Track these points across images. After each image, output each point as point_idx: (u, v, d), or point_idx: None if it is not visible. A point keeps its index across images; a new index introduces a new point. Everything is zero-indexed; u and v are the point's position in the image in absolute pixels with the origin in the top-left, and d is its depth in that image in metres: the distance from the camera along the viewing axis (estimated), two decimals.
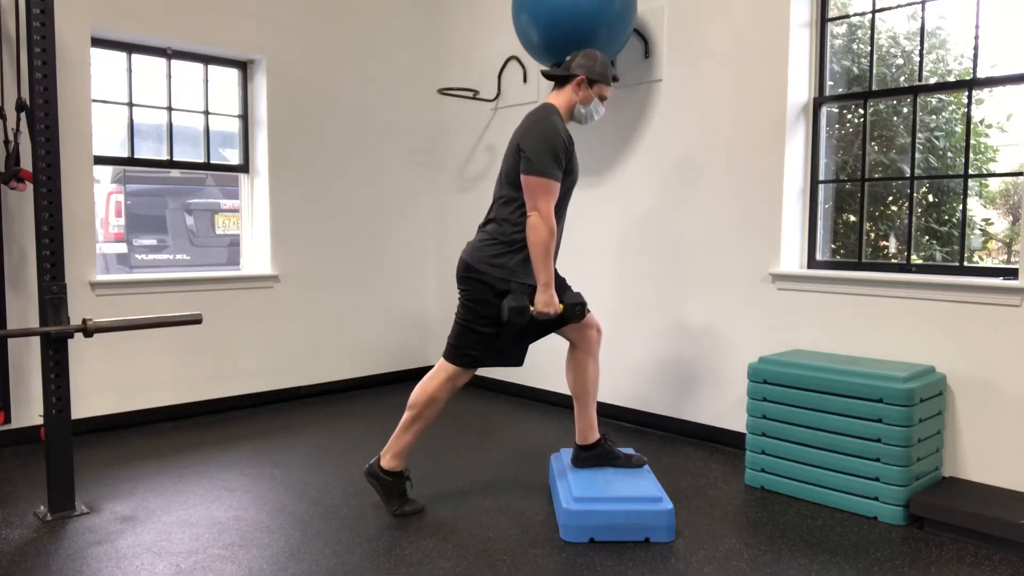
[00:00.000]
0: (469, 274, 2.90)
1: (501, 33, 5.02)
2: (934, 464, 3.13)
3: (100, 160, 4.22)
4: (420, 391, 2.98)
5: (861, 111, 3.65)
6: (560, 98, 3.00)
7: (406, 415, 2.99)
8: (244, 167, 4.83)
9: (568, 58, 3.03)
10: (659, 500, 2.80)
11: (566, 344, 4.33)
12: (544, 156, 2.78)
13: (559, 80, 3.02)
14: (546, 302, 2.80)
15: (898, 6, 3.51)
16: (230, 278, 4.61)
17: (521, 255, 2.86)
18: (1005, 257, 3.46)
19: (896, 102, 3.64)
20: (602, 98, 3.04)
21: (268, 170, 4.74)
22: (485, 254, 2.88)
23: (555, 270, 3.05)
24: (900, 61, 3.66)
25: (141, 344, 4.28)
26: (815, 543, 2.78)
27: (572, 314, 2.88)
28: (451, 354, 2.97)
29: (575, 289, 4.34)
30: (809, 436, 3.17)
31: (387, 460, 3.00)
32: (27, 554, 2.64)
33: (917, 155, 3.45)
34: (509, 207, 2.90)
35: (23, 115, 3.64)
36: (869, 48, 3.60)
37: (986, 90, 3.34)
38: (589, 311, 3.07)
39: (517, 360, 3.02)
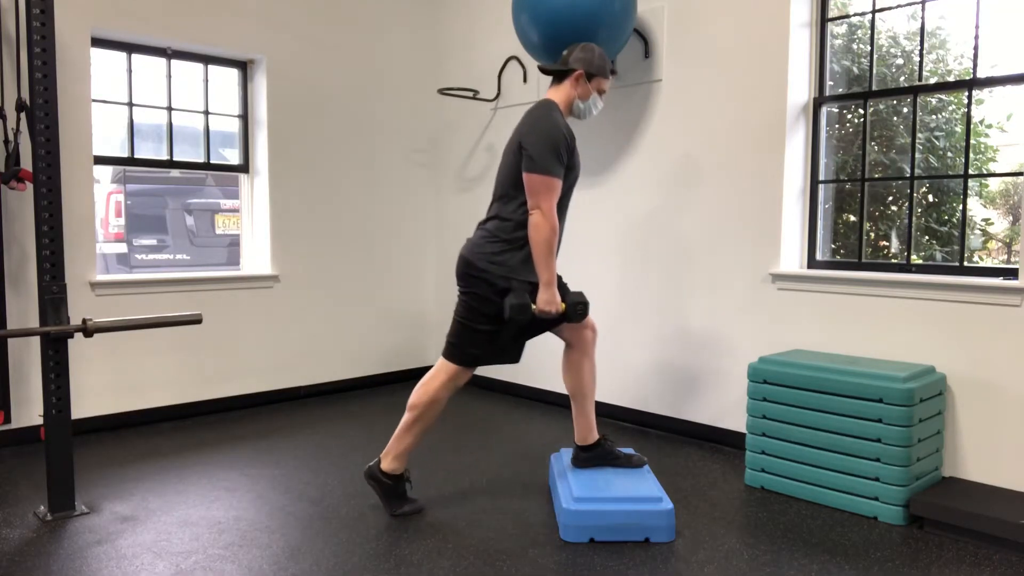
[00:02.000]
0: (469, 271, 2.88)
1: (501, 33, 5.02)
2: (934, 464, 3.13)
3: (100, 160, 4.23)
4: (420, 391, 2.98)
5: (861, 111, 3.65)
6: (559, 93, 2.99)
7: (406, 416, 2.99)
8: (244, 167, 4.83)
9: (565, 52, 3.01)
10: (659, 500, 2.80)
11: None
12: (546, 153, 2.77)
13: (557, 75, 3.00)
14: (548, 300, 2.80)
15: (898, 6, 3.51)
16: (230, 278, 4.61)
17: (522, 253, 2.85)
18: (1005, 257, 3.46)
19: (896, 102, 3.64)
20: (601, 92, 3.03)
21: (268, 170, 4.74)
22: (486, 251, 2.87)
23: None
24: (900, 61, 3.66)
25: (141, 344, 4.28)
26: (815, 543, 2.79)
27: (574, 313, 2.87)
28: (451, 353, 2.96)
29: (575, 288, 4.35)
30: (809, 436, 3.17)
31: (388, 462, 2.99)
32: (27, 554, 2.64)
33: (917, 155, 3.45)
34: (510, 204, 2.88)
35: (23, 115, 3.64)
36: (869, 48, 3.60)
37: (986, 90, 3.34)
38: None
39: (515, 357, 3.01)
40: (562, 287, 2.99)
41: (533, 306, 2.81)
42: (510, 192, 2.89)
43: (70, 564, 2.57)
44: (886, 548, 2.75)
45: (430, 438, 4.09)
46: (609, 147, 4.44)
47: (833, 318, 3.55)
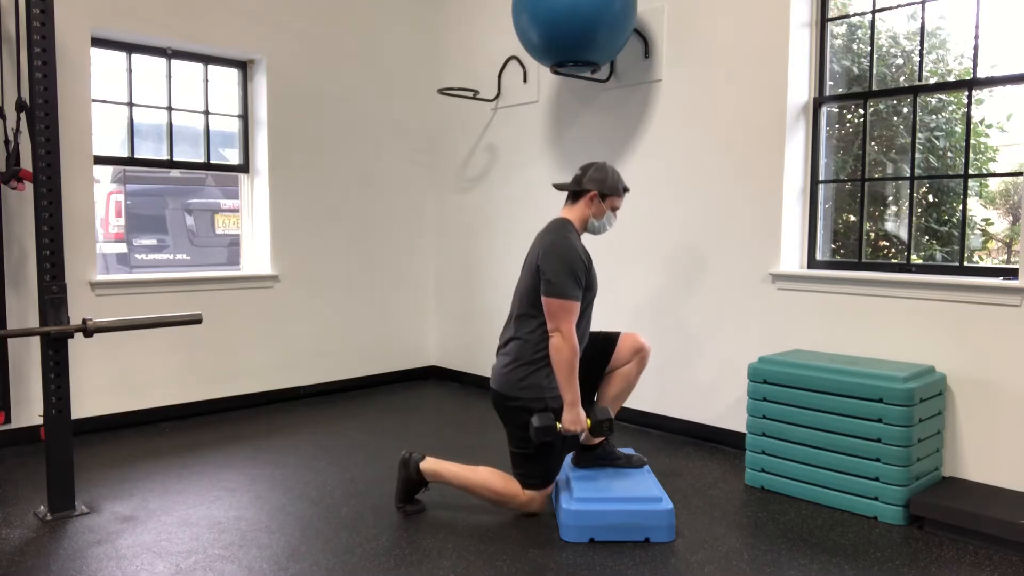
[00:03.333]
0: (505, 403, 2.93)
1: (501, 33, 5.02)
2: (934, 464, 3.13)
3: (100, 160, 4.23)
4: (500, 487, 2.96)
5: (861, 111, 3.65)
6: (574, 212, 3.05)
7: (473, 479, 2.97)
8: (244, 167, 4.83)
9: (579, 172, 3.07)
10: (659, 500, 2.80)
11: None
12: (564, 277, 2.82)
13: (572, 194, 3.07)
14: (573, 420, 2.84)
15: (898, 6, 3.51)
16: (230, 278, 4.61)
17: (546, 370, 2.90)
18: (1005, 257, 3.46)
19: (896, 102, 3.64)
20: (614, 209, 3.09)
21: (268, 170, 4.74)
22: (513, 379, 2.91)
23: None
24: (900, 61, 3.66)
25: (141, 344, 4.28)
26: (815, 543, 2.78)
27: (600, 430, 2.90)
28: (525, 483, 2.98)
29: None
30: (809, 436, 3.17)
31: (428, 467, 3.01)
32: (27, 554, 2.64)
33: (917, 155, 3.45)
34: (529, 325, 2.93)
35: (23, 115, 3.64)
36: (869, 48, 3.60)
37: (986, 90, 3.34)
38: (631, 334, 3.16)
39: (575, 447, 3.09)
40: (590, 360, 3.06)
41: (559, 425, 2.84)
42: (528, 312, 2.94)
43: (70, 564, 2.57)
44: (886, 548, 2.75)
45: (430, 439, 4.09)
46: (609, 147, 4.44)
47: (833, 318, 3.55)
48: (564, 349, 2.82)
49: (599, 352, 3.13)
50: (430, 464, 3.01)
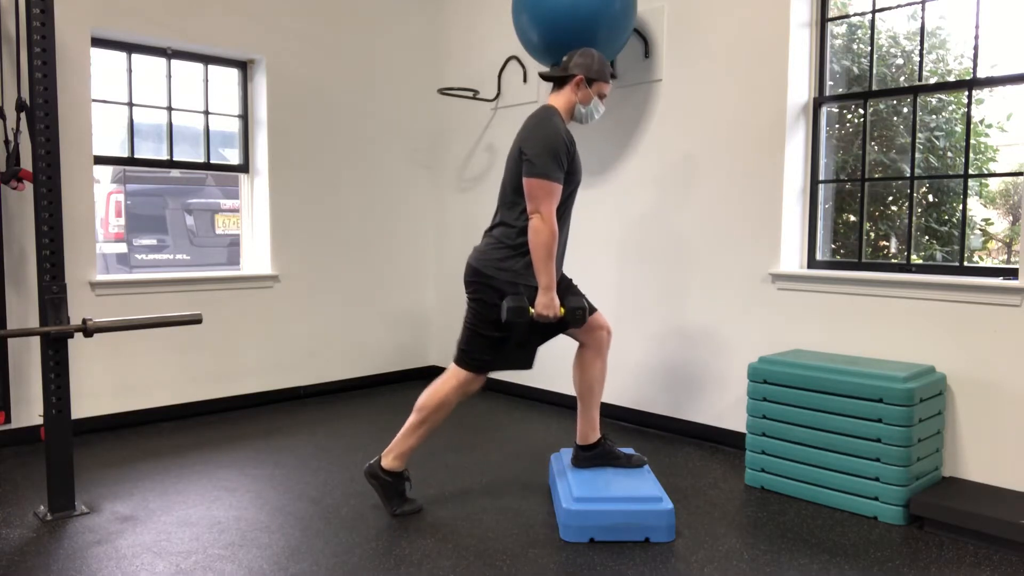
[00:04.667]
0: (476, 278, 2.90)
1: (501, 33, 5.02)
2: (934, 464, 3.13)
3: (100, 160, 4.22)
4: (430, 394, 2.98)
5: (861, 111, 3.65)
6: (560, 99, 2.99)
7: (412, 418, 2.98)
8: (244, 167, 4.83)
9: (565, 58, 3.02)
10: (659, 500, 2.80)
11: (570, 344, 4.33)
12: (545, 158, 2.78)
13: (557, 81, 3.01)
14: (546, 304, 2.80)
15: (898, 6, 3.51)
16: (230, 278, 4.61)
17: (527, 258, 2.86)
18: (1005, 257, 3.46)
19: (896, 102, 3.64)
20: (601, 96, 3.03)
21: (268, 170, 4.74)
22: (491, 258, 2.88)
23: (563, 274, 3.06)
24: (900, 61, 3.66)
25: (141, 344, 4.28)
26: (815, 543, 2.79)
27: (573, 318, 2.86)
28: (461, 359, 2.96)
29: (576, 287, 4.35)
30: (809, 436, 3.17)
31: (389, 460, 3.00)
32: (27, 554, 2.64)
33: (917, 155, 3.45)
34: (514, 211, 2.89)
35: (23, 115, 3.64)
36: (869, 48, 3.60)
37: (986, 90, 3.34)
38: (596, 311, 3.08)
39: (526, 363, 3.02)
40: (568, 289, 3.00)
41: (531, 310, 2.81)
42: (513, 198, 2.90)
43: (70, 564, 2.57)
44: (886, 548, 2.75)
45: (430, 438, 4.09)
46: (609, 147, 4.44)
47: (833, 318, 3.55)
48: (543, 231, 2.76)
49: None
50: (387, 456, 2.99)
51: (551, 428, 4.31)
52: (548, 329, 2.95)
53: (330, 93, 4.98)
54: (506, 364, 2.98)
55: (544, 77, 3.06)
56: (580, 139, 4.58)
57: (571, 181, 2.91)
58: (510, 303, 2.76)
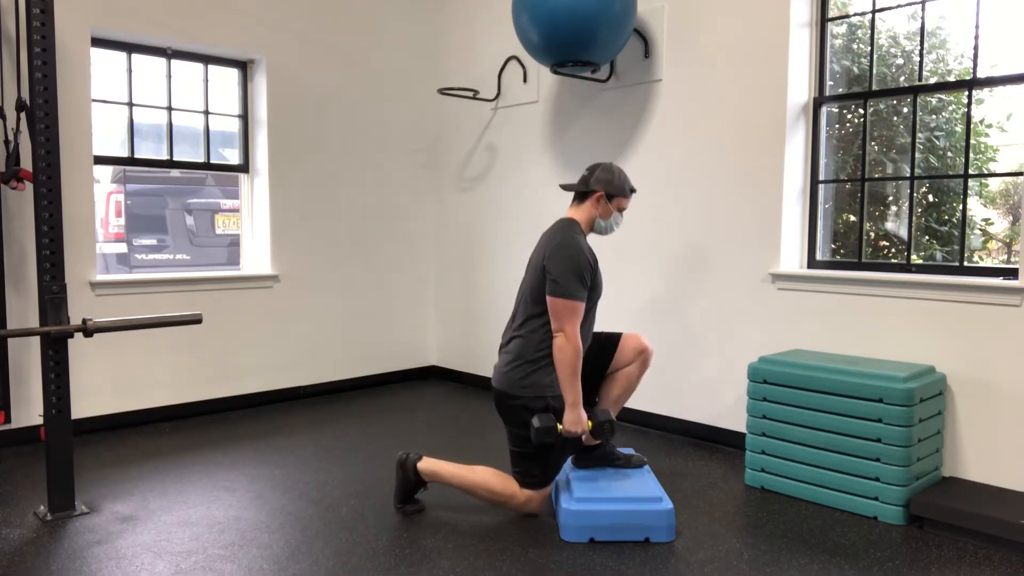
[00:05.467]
0: (506, 401, 2.92)
1: (501, 33, 5.02)
2: (934, 464, 3.13)
3: (100, 160, 4.22)
4: (499, 487, 2.95)
5: (861, 111, 3.65)
6: (580, 213, 3.04)
7: (470, 478, 2.97)
8: (244, 167, 4.83)
9: (586, 172, 3.06)
10: (659, 500, 2.80)
11: None
12: (570, 278, 2.82)
13: (578, 195, 3.06)
14: (574, 421, 2.82)
15: (898, 6, 3.51)
16: (230, 278, 4.61)
17: (547, 369, 2.89)
18: (1005, 257, 3.46)
19: (896, 102, 3.64)
20: (620, 210, 3.08)
21: (268, 170, 4.74)
22: (515, 377, 2.90)
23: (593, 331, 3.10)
24: (900, 61, 3.66)
25: (141, 344, 4.28)
26: (815, 543, 2.78)
27: (600, 432, 2.89)
28: (523, 482, 2.97)
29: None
30: (809, 436, 3.17)
31: (426, 466, 3.01)
32: (27, 554, 2.64)
33: (917, 155, 3.45)
34: (532, 323, 2.92)
35: (23, 115, 3.64)
36: (869, 48, 3.60)
37: (986, 90, 3.34)
38: (627, 334, 3.14)
39: (576, 450, 3.05)
40: (588, 405, 3.03)
41: (559, 426, 2.83)
42: (532, 311, 2.93)
43: (70, 564, 2.57)
44: (886, 548, 2.75)
45: (431, 438, 4.09)
46: (609, 147, 4.44)
47: (833, 318, 3.55)
48: (567, 349, 2.81)
49: (601, 352, 3.13)
50: (428, 464, 3.01)
51: None
52: (579, 437, 2.94)
53: (330, 93, 4.98)
54: (560, 463, 2.99)
55: (565, 189, 3.12)
56: (578, 139, 4.58)
57: (593, 295, 2.96)
58: (537, 424, 2.79)
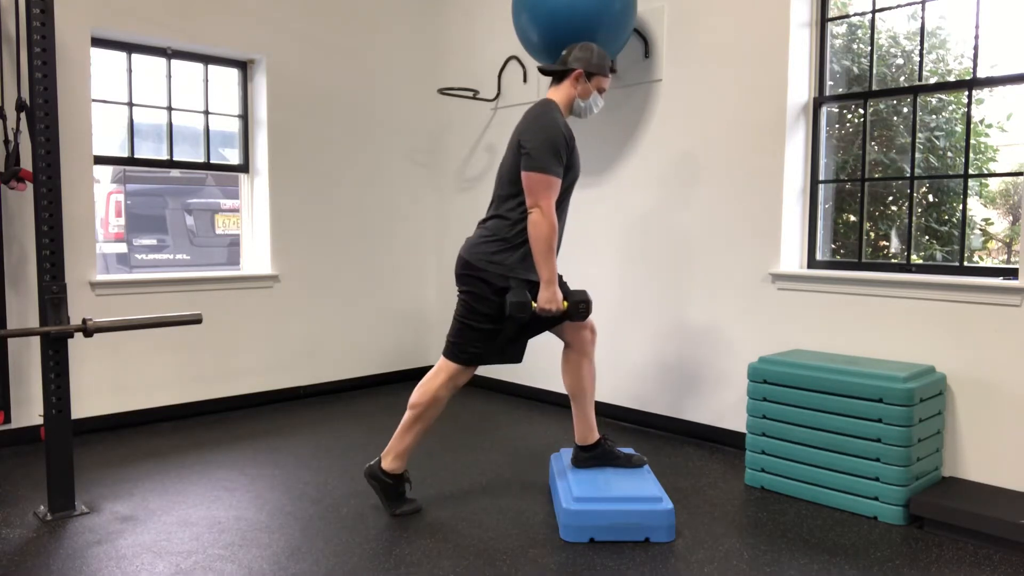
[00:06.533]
0: (468, 271, 2.89)
1: (501, 33, 5.02)
2: (934, 464, 3.13)
3: (100, 160, 4.22)
4: (421, 391, 2.98)
5: (861, 111, 3.65)
6: (559, 93, 2.99)
7: (407, 416, 2.99)
8: (244, 167, 4.83)
9: (564, 52, 3.01)
10: (659, 500, 2.80)
11: None
12: (545, 152, 2.77)
13: (557, 75, 3.01)
14: (549, 299, 2.79)
15: (898, 6, 3.51)
16: (230, 278, 4.61)
17: (520, 251, 2.85)
18: (1005, 257, 3.46)
19: (896, 102, 3.64)
20: (601, 90, 3.02)
21: (268, 170, 4.74)
22: (484, 251, 2.87)
23: None
24: (900, 61, 3.66)
25: (141, 344, 4.28)
26: (815, 543, 2.78)
27: (576, 312, 2.86)
28: (451, 352, 2.96)
29: (577, 287, 4.35)
30: (809, 436, 3.17)
31: (388, 461, 3.00)
32: (27, 554, 2.64)
33: (917, 155, 3.45)
34: (509, 203, 2.89)
35: (23, 115, 3.64)
36: (869, 48, 3.60)
37: (986, 90, 3.34)
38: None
39: (517, 357, 3.01)
40: (563, 286, 2.99)
41: (534, 304, 2.80)
42: (509, 190, 2.89)
43: (70, 564, 2.57)
44: (886, 548, 2.75)
45: (430, 438, 4.09)
46: (609, 147, 4.44)
47: (833, 318, 3.55)
48: (543, 224, 2.75)
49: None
50: (386, 457, 3.00)
51: (551, 428, 4.31)
52: (543, 323, 2.94)
53: (330, 93, 4.98)
54: (496, 358, 2.97)
55: (543, 71, 3.05)
56: (580, 139, 4.58)
57: (569, 175, 2.91)
58: (513, 298, 2.76)
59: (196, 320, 3.09)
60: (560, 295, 2.82)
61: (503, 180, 2.93)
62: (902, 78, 3.63)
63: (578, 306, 2.86)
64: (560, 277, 3.04)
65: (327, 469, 3.57)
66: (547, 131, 2.80)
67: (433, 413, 2.98)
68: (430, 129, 5.56)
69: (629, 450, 3.28)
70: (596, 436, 3.15)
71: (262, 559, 2.62)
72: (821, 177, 3.77)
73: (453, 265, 5.47)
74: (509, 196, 2.89)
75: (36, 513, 2.99)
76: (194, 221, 7.39)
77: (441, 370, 2.97)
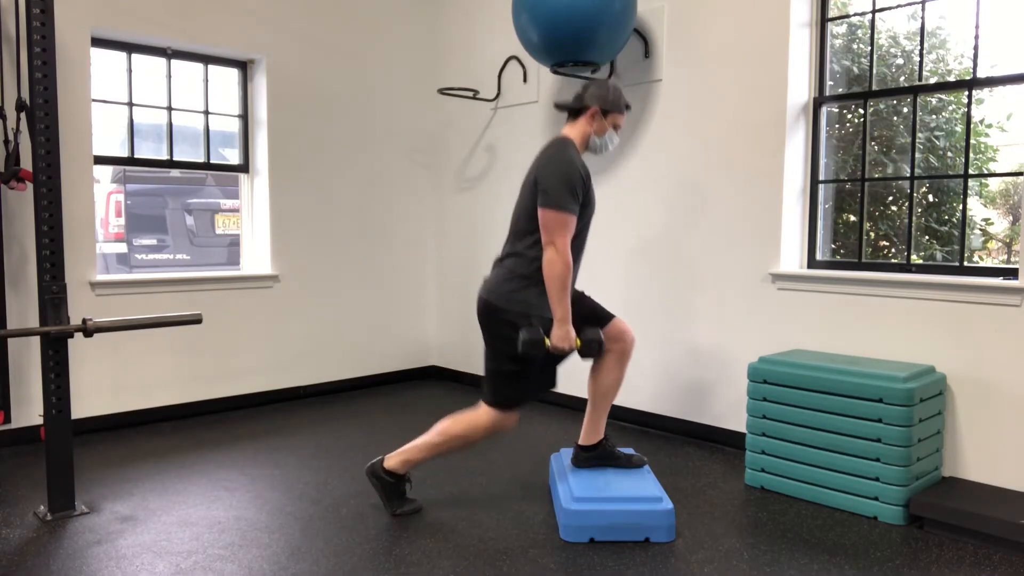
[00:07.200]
0: (490, 312, 2.88)
1: (501, 33, 5.02)
2: (934, 464, 3.13)
3: (100, 160, 4.22)
4: (457, 423, 2.95)
5: (861, 111, 3.65)
6: (575, 130, 2.99)
7: (432, 438, 2.95)
8: (244, 167, 4.83)
9: (580, 89, 3.02)
10: (659, 500, 2.80)
11: None
12: (561, 190, 2.77)
13: (572, 112, 3.01)
14: (562, 337, 2.78)
15: (898, 6, 3.51)
16: (230, 278, 4.61)
17: (539, 288, 2.84)
18: (1005, 257, 3.46)
19: (896, 102, 3.64)
20: (616, 127, 3.02)
21: (268, 170, 4.74)
22: (504, 290, 2.86)
23: (575, 289, 3.03)
24: (900, 61, 3.66)
25: (141, 344, 4.28)
26: (815, 543, 2.79)
27: (588, 351, 2.86)
28: (491, 399, 2.93)
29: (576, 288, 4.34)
30: (809, 436, 3.17)
31: (393, 462, 2.99)
32: (27, 554, 2.64)
33: (917, 155, 3.45)
34: (526, 240, 2.88)
35: (23, 115, 3.64)
36: (869, 48, 3.60)
37: (986, 90, 3.34)
38: (615, 317, 3.09)
39: (550, 384, 3.03)
40: (581, 320, 2.97)
41: (547, 341, 2.79)
42: (526, 227, 2.88)
43: (70, 564, 2.57)
44: (886, 548, 2.75)
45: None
46: None
47: (833, 318, 3.55)
48: (557, 263, 2.75)
49: (592, 315, 3.06)
50: (392, 458, 2.99)
51: (551, 428, 4.31)
52: (566, 353, 2.93)
53: (330, 93, 4.98)
54: (533, 393, 2.98)
55: (559, 107, 3.05)
56: None
57: (585, 212, 2.90)
58: (525, 335, 2.75)
59: (196, 320, 3.09)
60: (573, 333, 2.81)
61: (520, 217, 2.92)
62: (902, 78, 3.63)
63: (590, 344, 2.85)
64: (581, 293, 3.07)
65: (327, 469, 3.57)
66: (564, 169, 2.80)
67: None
68: (430, 129, 5.56)
69: (629, 450, 3.28)
70: (599, 437, 3.15)
71: (262, 559, 2.62)
72: (821, 177, 3.77)
73: (452, 265, 5.47)
74: (526, 233, 2.88)
75: (36, 513, 2.99)
76: (194, 221, 7.39)
77: (484, 415, 2.93)
